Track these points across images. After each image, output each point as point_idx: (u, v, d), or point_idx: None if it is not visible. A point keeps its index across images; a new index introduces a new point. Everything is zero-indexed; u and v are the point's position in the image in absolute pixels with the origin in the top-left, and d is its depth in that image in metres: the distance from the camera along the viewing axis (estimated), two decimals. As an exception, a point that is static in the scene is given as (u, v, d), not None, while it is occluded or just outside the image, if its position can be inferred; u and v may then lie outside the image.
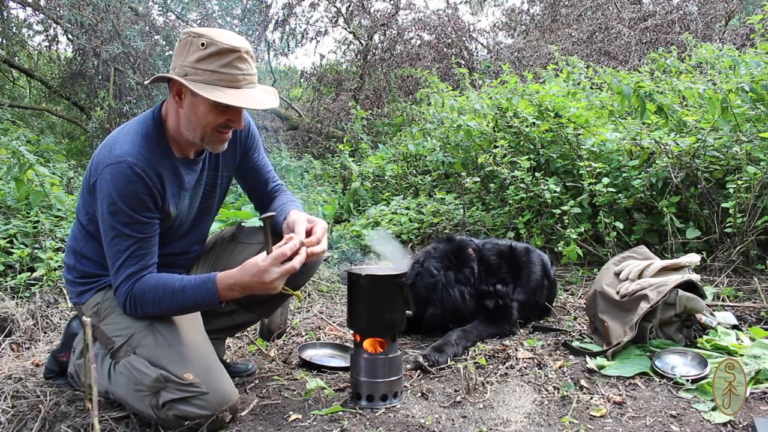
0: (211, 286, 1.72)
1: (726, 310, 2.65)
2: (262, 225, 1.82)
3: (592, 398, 1.91)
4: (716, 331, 2.31)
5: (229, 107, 1.72)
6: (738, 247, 3.19)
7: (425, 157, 5.28)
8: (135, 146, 1.74)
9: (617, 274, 2.50)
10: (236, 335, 2.62)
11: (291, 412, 1.85)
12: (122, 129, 1.83)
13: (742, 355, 2.10)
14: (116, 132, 1.83)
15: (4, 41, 9.13)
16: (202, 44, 1.68)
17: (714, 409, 1.78)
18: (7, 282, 3.12)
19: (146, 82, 1.91)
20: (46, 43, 9.88)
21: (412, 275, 2.62)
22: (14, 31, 9.33)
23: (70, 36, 8.64)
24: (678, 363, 2.10)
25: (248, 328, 2.60)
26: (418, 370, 2.19)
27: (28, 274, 3.16)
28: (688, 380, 1.98)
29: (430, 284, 2.58)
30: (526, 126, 4.05)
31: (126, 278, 1.74)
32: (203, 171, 1.94)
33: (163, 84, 1.91)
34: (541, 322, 2.79)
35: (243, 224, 2.25)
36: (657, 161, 3.42)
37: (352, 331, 2.03)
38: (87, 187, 1.83)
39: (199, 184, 1.94)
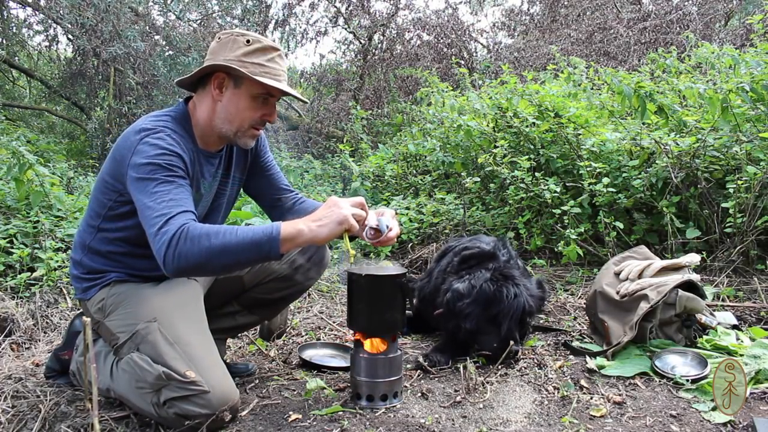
0: (275, 224, 1.64)
1: (726, 310, 2.65)
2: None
3: (592, 398, 1.91)
4: (716, 331, 2.31)
5: (267, 102, 1.87)
6: (738, 247, 3.19)
7: (425, 157, 5.29)
8: (167, 123, 1.82)
9: (617, 274, 2.50)
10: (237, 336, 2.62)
11: (291, 412, 1.85)
12: (147, 116, 1.87)
13: (742, 355, 2.10)
14: (141, 119, 1.86)
15: (4, 41, 9.13)
16: (247, 41, 1.82)
17: (714, 409, 1.78)
18: (7, 282, 3.12)
19: (182, 79, 1.93)
20: (46, 43, 9.89)
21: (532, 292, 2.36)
22: (14, 31, 9.33)
23: (70, 36, 8.65)
24: (678, 363, 2.10)
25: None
26: (418, 370, 2.19)
27: (28, 274, 3.16)
28: (688, 380, 1.98)
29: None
30: (526, 126, 4.05)
31: (177, 215, 1.60)
32: (219, 168, 2.00)
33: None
34: (542, 322, 2.79)
35: (249, 225, 2.27)
36: (657, 161, 3.42)
37: (352, 331, 2.03)
38: (109, 173, 1.84)
39: (215, 180, 1.99)
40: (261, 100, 1.86)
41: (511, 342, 2.16)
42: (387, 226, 1.85)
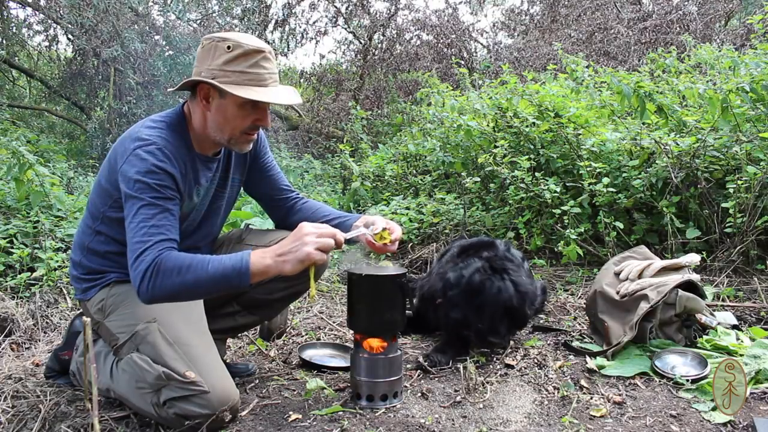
0: (244, 255, 1.66)
1: (726, 310, 2.65)
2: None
3: (592, 398, 1.91)
4: (716, 331, 2.31)
5: (257, 107, 1.80)
6: (738, 247, 3.19)
7: (425, 157, 5.29)
8: (162, 132, 1.79)
9: (617, 274, 2.50)
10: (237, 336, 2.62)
11: (291, 412, 1.85)
12: (145, 121, 1.86)
13: (742, 355, 2.10)
14: (139, 124, 1.85)
15: (4, 41, 9.13)
16: (228, 47, 1.75)
17: (714, 409, 1.78)
18: (7, 282, 3.12)
19: (172, 90, 1.95)
20: (46, 43, 9.89)
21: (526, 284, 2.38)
22: (14, 31, 9.33)
23: (70, 36, 8.64)
24: (678, 363, 2.10)
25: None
26: (419, 370, 2.19)
27: (28, 274, 3.16)
28: (688, 380, 1.98)
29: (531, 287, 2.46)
30: (526, 126, 4.05)
31: (153, 245, 1.63)
32: (217, 171, 1.99)
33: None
34: (542, 321, 2.79)
35: (250, 225, 2.27)
36: (657, 161, 3.42)
37: (352, 331, 2.03)
38: (106, 177, 1.84)
39: (212, 183, 1.98)
40: (250, 107, 1.80)
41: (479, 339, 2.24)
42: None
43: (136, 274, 1.63)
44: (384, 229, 1.90)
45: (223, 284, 1.64)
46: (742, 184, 3.08)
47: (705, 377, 1.97)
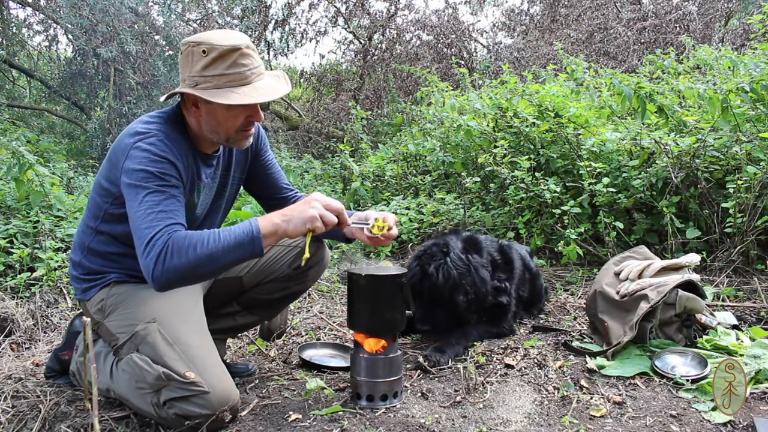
0: (251, 221, 1.67)
1: (726, 310, 2.65)
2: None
3: (592, 398, 1.91)
4: (716, 331, 2.31)
5: (246, 105, 1.77)
6: (738, 247, 3.19)
7: (425, 157, 5.29)
8: (161, 126, 1.78)
9: (617, 274, 2.50)
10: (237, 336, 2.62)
11: (291, 412, 1.85)
12: (141, 118, 1.85)
13: (742, 355, 2.10)
14: (136, 121, 1.85)
15: (4, 41, 9.13)
16: (203, 51, 1.72)
17: (714, 409, 1.78)
18: (7, 282, 3.12)
19: (162, 99, 1.93)
20: (46, 43, 9.89)
21: (435, 265, 2.44)
22: (14, 31, 9.33)
23: (70, 36, 8.64)
24: (678, 363, 2.10)
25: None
26: (418, 370, 2.19)
27: (28, 274, 3.16)
28: (688, 380, 1.98)
29: (464, 270, 2.46)
30: (526, 126, 4.05)
31: (163, 229, 1.61)
32: (217, 168, 1.98)
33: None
34: (542, 321, 2.79)
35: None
36: (657, 161, 3.42)
37: (352, 331, 2.03)
38: (106, 176, 1.84)
39: (213, 181, 1.98)
40: (239, 106, 1.78)
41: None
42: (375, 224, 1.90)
43: (148, 261, 1.60)
44: (377, 219, 1.91)
45: (237, 252, 1.64)
46: (742, 184, 3.08)
47: (705, 377, 1.97)
